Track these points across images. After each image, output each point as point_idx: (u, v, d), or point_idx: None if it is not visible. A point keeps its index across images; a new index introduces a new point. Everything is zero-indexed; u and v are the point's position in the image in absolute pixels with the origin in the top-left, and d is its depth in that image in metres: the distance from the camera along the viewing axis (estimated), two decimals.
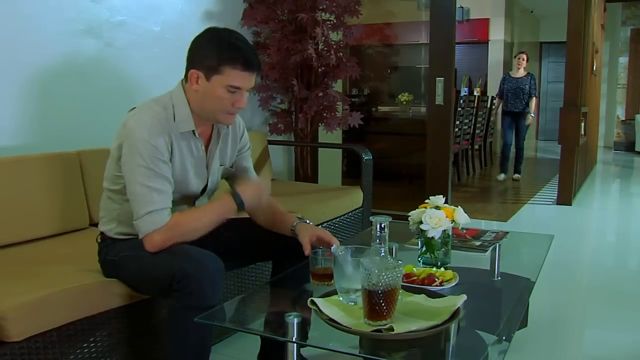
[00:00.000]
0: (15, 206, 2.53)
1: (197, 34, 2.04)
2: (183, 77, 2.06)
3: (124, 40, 3.35)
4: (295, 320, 1.59)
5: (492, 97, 9.86)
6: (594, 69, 8.18)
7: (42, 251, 2.48)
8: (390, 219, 1.90)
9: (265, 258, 2.23)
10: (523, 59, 7.84)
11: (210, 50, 1.96)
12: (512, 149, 8.21)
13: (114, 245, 2.11)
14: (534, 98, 7.81)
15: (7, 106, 2.81)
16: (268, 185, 2.19)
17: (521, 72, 7.82)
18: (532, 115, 7.91)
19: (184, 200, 2.11)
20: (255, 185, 2.15)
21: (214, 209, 2.06)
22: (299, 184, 4.46)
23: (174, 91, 2.07)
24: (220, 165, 2.22)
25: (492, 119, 9.41)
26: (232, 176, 2.31)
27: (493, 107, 9.72)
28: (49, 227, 2.66)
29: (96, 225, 2.30)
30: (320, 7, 4.20)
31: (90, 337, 2.01)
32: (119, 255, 2.06)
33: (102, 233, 2.17)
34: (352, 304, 1.73)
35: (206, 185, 2.19)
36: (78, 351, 1.98)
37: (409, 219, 2.26)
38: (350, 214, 3.79)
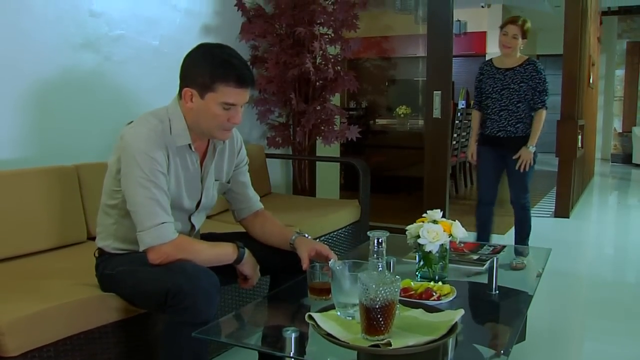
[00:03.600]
0: (12, 219, 2.53)
1: (193, 48, 2.05)
2: (177, 93, 2.07)
3: (122, 54, 3.37)
4: (293, 335, 1.58)
5: None
6: (591, 81, 8.21)
7: (40, 265, 2.48)
8: (388, 234, 1.90)
9: (263, 272, 2.23)
10: (515, 34, 4.05)
11: (203, 68, 1.96)
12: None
13: (111, 259, 2.11)
14: (542, 110, 4.08)
15: (6, 119, 2.82)
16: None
17: (512, 59, 4.13)
18: (532, 147, 4.09)
19: (179, 214, 2.11)
20: (256, 266, 2.17)
21: (216, 251, 2.08)
22: (296, 197, 4.46)
23: (170, 106, 2.08)
24: (216, 181, 2.22)
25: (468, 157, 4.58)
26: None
27: None
28: (46, 240, 2.66)
29: (93, 239, 2.30)
30: (318, 21, 4.22)
31: (87, 352, 2.01)
32: (117, 270, 2.06)
33: (99, 248, 2.17)
34: (350, 318, 1.73)
35: (200, 201, 2.19)
36: None
37: (406, 233, 2.26)
38: (348, 227, 3.79)
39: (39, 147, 2.95)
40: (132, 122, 2.07)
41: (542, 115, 4.10)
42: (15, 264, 2.46)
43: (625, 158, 12.53)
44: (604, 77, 12.62)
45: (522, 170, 4.14)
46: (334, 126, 4.41)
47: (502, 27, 4.18)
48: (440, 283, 2.09)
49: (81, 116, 3.15)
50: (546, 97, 4.11)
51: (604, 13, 11.19)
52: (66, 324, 1.95)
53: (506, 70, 4.14)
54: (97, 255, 2.18)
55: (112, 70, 3.31)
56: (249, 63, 2.35)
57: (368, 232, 1.92)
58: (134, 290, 2.03)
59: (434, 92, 4.66)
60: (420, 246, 2.19)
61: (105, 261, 2.12)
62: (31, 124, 2.92)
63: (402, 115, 8.14)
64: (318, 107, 4.31)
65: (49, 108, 3.00)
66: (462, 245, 2.65)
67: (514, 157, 4.12)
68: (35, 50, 2.91)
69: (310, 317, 1.70)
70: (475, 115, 4.37)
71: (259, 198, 2.39)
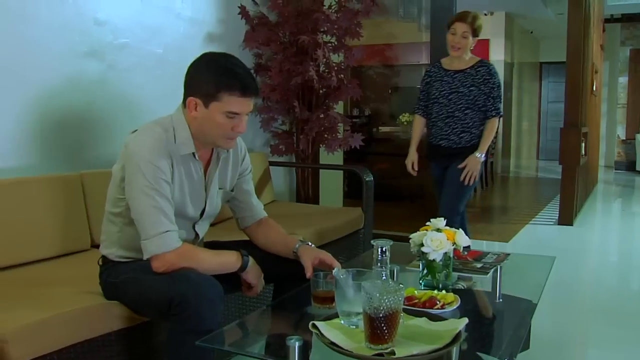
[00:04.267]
0: (17, 228, 2.53)
1: (197, 57, 2.05)
2: (181, 102, 2.07)
3: (126, 62, 3.38)
4: (297, 344, 1.58)
5: None
6: (594, 89, 8.21)
7: (44, 273, 2.48)
8: (392, 243, 1.90)
9: (266, 280, 2.23)
10: (465, 32, 3.67)
11: (207, 77, 1.97)
12: None
13: (115, 267, 2.11)
14: (495, 119, 3.74)
15: (11, 127, 2.83)
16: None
17: (462, 61, 3.78)
18: (481, 155, 3.71)
19: (183, 223, 2.11)
20: (260, 274, 2.17)
21: (220, 259, 2.08)
22: (300, 205, 4.46)
23: (174, 114, 2.09)
24: (220, 189, 2.23)
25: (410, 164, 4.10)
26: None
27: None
28: (50, 248, 2.67)
29: (97, 246, 2.30)
30: (322, 29, 4.23)
31: None
32: (120, 278, 2.06)
33: (103, 256, 2.17)
34: (354, 327, 1.72)
35: (204, 209, 2.19)
36: None
37: (410, 241, 2.26)
38: (351, 235, 3.79)
39: (43, 155, 2.96)
40: (136, 130, 2.07)
41: (495, 124, 3.77)
42: (19, 272, 2.47)
43: (629, 165, 12.52)
44: (607, 84, 12.64)
45: (467, 181, 3.69)
46: (338, 134, 4.41)
47: (449, 26, 3.76)
48: (444, 291, 2.09)
49: (85, 124, 3.16)
50: (500, 104, 3.75)
51: (607, 20, 11.21)
52: (70, 332, 1.95)
53: (455, 72, 3.80)
54: (100, 263, 2.18)
55: (116, 78, 3.32)
56: (252, 71, 2.36)
57: (372, 241, 1.92)
58: (138, 299, 2.03)
59: None
60: (423, 254, 2.18)
61: (109, 269, 2.13)
62: (35, 132, 2.93)
63: (405, 123, 8.14)
64: (321, 115, 4.32)
65: (54, 116, 3.01)
66: (466, 253, 2.64)
67: (459, 166, 3.72)
68: (40, 58, 2.92)
69: (314, 326, 1.70)
70: (418, 122, 4.03)
71: (262, 206, 2.40)
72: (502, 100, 3.75)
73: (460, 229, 2.25)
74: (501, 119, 3.81)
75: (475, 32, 3.71)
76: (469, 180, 3.71)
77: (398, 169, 7.59)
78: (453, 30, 3.72)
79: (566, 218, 6.26)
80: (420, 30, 8.40)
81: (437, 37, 4.72)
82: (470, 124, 3.75)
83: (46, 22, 2.94)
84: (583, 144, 6.55)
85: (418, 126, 4.03)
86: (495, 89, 3.72)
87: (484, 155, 3.75)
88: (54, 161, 2.97)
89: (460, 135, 3.76)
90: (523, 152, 13.69)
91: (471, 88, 3.73)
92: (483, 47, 11.56)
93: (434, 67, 3.96)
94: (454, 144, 3.77)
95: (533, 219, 6.65)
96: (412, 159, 4.01)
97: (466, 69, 3.78)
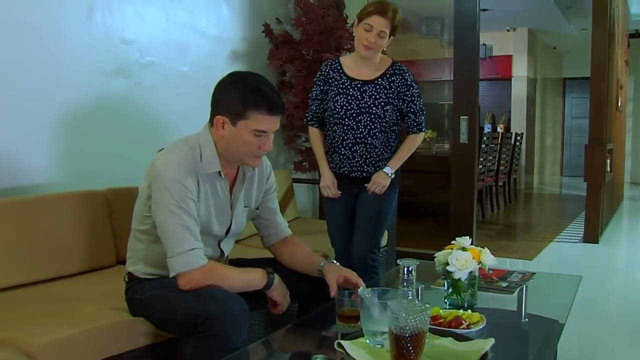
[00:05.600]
0: (44, 244, 2.57)
1: (224, 74, 2.08)
2: (208, 121, 2.10)
3: (152, 80, 3.43)
4: None
5: (516, 133, 9.79)
6: (619, 105, 8.14)
7: (70, 289, 2.51)
8: (418, 262, 1.89)
9: (291, 298, 2.23)
10: (382, 30, 2.89)
11: (235, 96, 1.99)
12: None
13: (141, 284, 2.13)
14: (418, 135, 3.11)
15: (39, 144, 2.88)
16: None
17: (371, 65, 3.01)
18: (390, 171, 3.03)
19: (209, 241, 2.13)
20: (285, 292, 2.18)
21: (246, 277, 2.09)
22: (323, 222, 4.42)
23: (200, 133, 2.11)
24: (245, 207, 2.24)
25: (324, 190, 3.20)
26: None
27: (518, 142, 9.60)
28: (76, 264, 2.70)
29: (123, 262, 2.32)
30: (345, 47, 4.26)
31: None
32: (146, 295, 2.08)
33: (129, 273, 2.19)
34: (379, 346, 1.72)
35: (230, 227, 2.20)
36: None
37: (435, 260, 2.24)
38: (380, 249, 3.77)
39: (71, 172, 3.01)
40: (163, 149, 2.10)
41: (417, 141, 3.09)
42: (45, 288, 2.50)
43: None
44: (632, 100, 12.50)
45: (375, 192, 3.00)
46: None
47: (362, 18, 2.91)
48: (469, 311, 2.07)
49: (112, 141, 3.20)
50: (423, 117, 3.06)
51: (632, 36, 11.10)
52: (96, 348, 1.97)
53: (364, 83, 2.98)
54: (127, 279, 2.20)
55: (142, 95, 3.37)
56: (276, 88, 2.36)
57: (398, 260, 1.92)
58: (164, 315, 2.04)
59: (461, 117, 4.65)
60: (449, 273, 2.17)
61: (135, 286, 2.14)
62: (63, 150, 2.98)
63: (428, 140, 8.12)
64: None
65: (81, 133, 3.06)
66: (491, 272, 2.62)
67: (365, 185, 3.03)
68: (68, 77, 2.98)
69: (340, 345, 1.70)
70: (317, 134, 3.17)
71: (287, 224, 2.40)
72: (424, 112, 3.08)
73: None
74: (424, 133, 3.12)
75: (394, 30, 2.94)
76: (379, 191, 3.00)
77: (420, 185, 7.60)
78: (367, 26, 2.87)
79: (591, 236, 6.18)
80: (443, 46, 8.41)
81: (459, 53, 4.72)
82: (387, 149, 3.05)
83: (75, 41, 2.99)
84: (608, 161, 6.48)
85: (319, 139, 3.16)
86: (415, 101, 3.03)
87: (393, 172, 3.03)
88: (80, 178, 3.01)
89: (377, 165, 3.03)
90: (546, 168, 13.57)
91: (386, 107, 2.97)
92: (506, 63, 11.55)
93: (332, 70, 3.06)
94: (370, 173, 3.04)
95: (557, 237, 6.57)
96: (330, 180, 3.08)
97: (377, 78, 2.99)
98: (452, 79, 4.80)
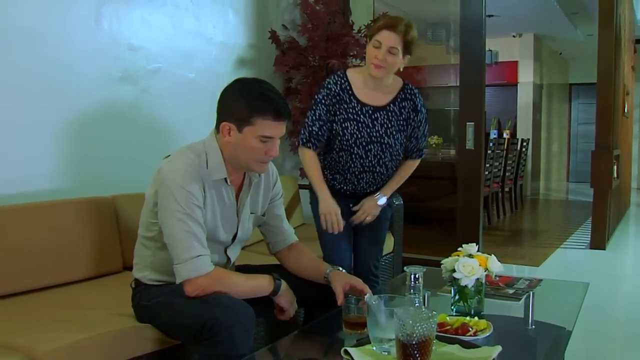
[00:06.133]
0: (50, 249, 2.57)
1: (230, 81, 2.08)
2: (214, 127, 2.10)
3: (159, 86, 3.44)
4: None
5: (522, 139, 9.78)
6: (625, 110, 8.11)
7: (76, 295, 2.51)
8: (425, 270, 1.89)
9: (297, 304, 2.23)
10: (393, 46, 2.60)
11: (241, 102, 1.99)
12: None
13: (147, 290, 2.13)
14: (415, 161, 2.96)
15: (46, 150, 2.89)
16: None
17: (382, 88, 2.77)
18: (382, 198, 2.86)
19: (215, 247, 2.13)
20: (292, 298, 2.19)
21: (253, 283, 2.09)
22: None
23: (206, 140, 2.11)
24: (252, 214, 2.24)
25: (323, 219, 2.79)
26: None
27: (524, 148, 9.58)
28: (83, 270, 2.70)
29: (129, 269, 2.33)
30: (351, 54, 4.26)
31: None
32: (153, 301, 2.08)
33: (136, 279, 2.19)
34: (386, 353, 1.72)
35: (236, 234, 2.20)
36: None
37: (441, 266, 2.24)
38: (381, 259, 3.77)
39: (77, 178, 3.01)
40: (169, 155, 2.10)
41: (414, 166, 2.94)
42: (52, 294, 2.50)
43: None
44: (639, 106, 12.46)
45: (358, 221, 2.80)
46: None
47: (372, 35, 2.65)
48: (476, 318, 2.07)
49: (118, 147, 3.21)
50: (425, 142, 2.92)
51: (638, 41, 11.07)
52: (102, 354, 1.97)
53: (375, 109, 2.76)
54: (133, 286, 2.20)
55: (149, 102, 3.38)
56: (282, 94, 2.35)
57: (405, 268, 1.91)
58: (170, 322, 2.04)
59: (467, 123, 4.64)
60: (455, 280, 2.16)
61: (142, 292, 2.15)
62: (70, 156, 2.99)
63: (434, 146, 8.12)
64: None
65: (88, 140, 3.07)
66: (498, 279, 2.61)
67: (353, 208, 2.84)
68: (75, 84, 2.99)
69: (346, 352, 1.69)
70: (312, 156, 2.79)
71: (293, 231, 2.41)
72: (427, 137, 2.93)
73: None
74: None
75: (407, 47, 2.66)
76: (362, 220, 2.82)
77: (426, 191, 7.58)
78: (376, 42, 2.62)
79: (598, 242, 6.16)
80: (449, 52, 8.42)
81: (466, 60, 4.72)
82: (390, 174, 2.91)
83: (81, 48, 3.01)
84: (615, 167, 6.46)
85: (315, 162, 2.80)
86: (422, 127, 2.87)
87: (385, 199, 2.87)
88: (86, 184, 3.02)
89: (381, 186, 2.91)
90: (553, 174, 13.54)
91: (397, 136, 2.79)
92: (512, 69, 11.55)
93: (342, 89, 2.75)
94: (375, 189, 2.89)
95: (564, 243, 6.54)
96: (333, 207, 2.71)
97: (388, 104, 2.78)
98: (458, 84, 4.80)
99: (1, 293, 2.40)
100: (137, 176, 3.17)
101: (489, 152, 7.57)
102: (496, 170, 7.94)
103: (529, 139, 10.46)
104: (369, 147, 2.75)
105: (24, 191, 2.77)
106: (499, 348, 1.68)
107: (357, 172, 2.81)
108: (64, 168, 2.96)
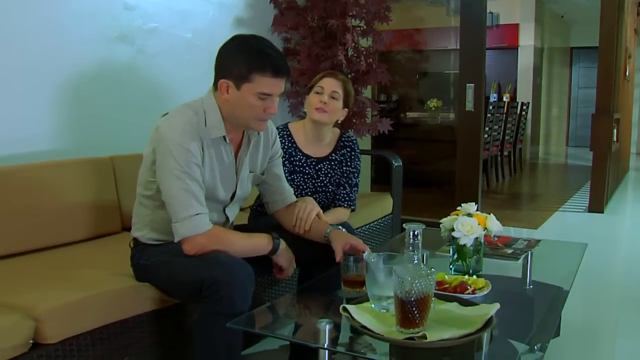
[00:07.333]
0: (49, 210, 2.57)
1: (227, 39, 2.05)
2: (212, 85, 2.08)
3: (156, 47, 3.39)
4: (327, 327, 1.58)
5: (522, 103, 9.73)
6: (627, 74, 8.06)
7: (76, 255, 2.51)
8: (424, 227, 1.89)
9: (296, 264, 2.24)
10: (335, 91, 2.73)
11: (239, 59, 1.97)
12: None
13: (146, 250, 2.13)
14: (346, 210, 2.85)
15: (43, 111, 2.86)
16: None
17: (325, 136, 2.86)
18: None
19: (214, 206, 2.12)
20: (291, 257, 2.18)
21: (251, 241, 2.09)
22: None
23: (205, 97, 2.09)
24: (250, 172, 2.23)
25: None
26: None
27: (523, 112, 9.54)
28: (82, 231, 2.70)
29: (128, 229, 2.33)
30: (350, 14, 4.20)
31: (123, 341, 2.03)
32: (152, 260, 2.08)
33: (134, 238, 2.19)
34: (384, 311, 1.72)
35: (235, 192, 2.20)
36: (111, 354, 1.99)
37: (440, 226, 2.24)
38: (380, 220, 3.78)
39: (75, 139, 3.00)
40: (167, 113, 2.08)
41: (345, 218, 2.79)
42: (52, 254, 2.50)
43: None
44: None
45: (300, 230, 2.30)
46: (366, 119, 4.39)
47: (311, 87, 2.79)
48: (474, 277, 2.08)
49: (116, 108, 3.18)
50: (356, 194, 2.89)
51: None
52: (102, 313, 1.97)
53: (318, 161, 2.83)
54: (132, 245, 2.20)
55: (145, 62, 3.34)
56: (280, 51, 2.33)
57: (404, 225, 1.92)
58: (169, 281, 2.05)
59: (467, 84, 4.62)
60: (454, 239, 2.17)
61: (141, 251, 2.15)
62: (67, 116, 2.96)
63: (433, 109, 8.09)
64: None
65: (85, 100, 3.04)
66: (496, 239, 2.62)
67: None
68: (71, 44, 2.95)
69: (345, 309, 1.70)
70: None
71: (292, 191, 2.40)
72: (357, 191, 2.91)
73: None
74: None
75: (347, 98, 2.77)
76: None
77: (425, 154, 7.59)
78: (319, 88, 2.73)
79: (597, 205, 6.18)
80: (449, 14, 8.32)
81: (466, 22, 4.67)
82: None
83: (77, 7, 2.96)
84: (615, 131, 6.44)
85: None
86: (355, 175, 2.88)
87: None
88: (85, 144, 3.01)
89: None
90: (552, 138, 13.52)
91: (338, 185, 2.87)
92: (512, 32, 11.44)
93: (288, 145, 2.80)
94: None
95: (562, 206, 6.56)
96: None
97: (330, 154, 2.86)
98: (458, 47, 4.75)
99: (1, 253, 2.40)
100: (135, 137, 3.15)
101: (489, 115, 7.54)
102: (495, 133, 7.92)
103: (528, 103, 10.42)
104: (314, 196, 2.75)
105: (22, 152, 2.76)
106: (497, 305, 1.69)
107: None
108: (61, 129, 2.94)
